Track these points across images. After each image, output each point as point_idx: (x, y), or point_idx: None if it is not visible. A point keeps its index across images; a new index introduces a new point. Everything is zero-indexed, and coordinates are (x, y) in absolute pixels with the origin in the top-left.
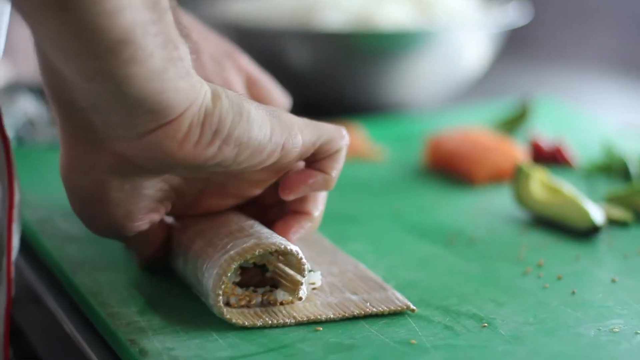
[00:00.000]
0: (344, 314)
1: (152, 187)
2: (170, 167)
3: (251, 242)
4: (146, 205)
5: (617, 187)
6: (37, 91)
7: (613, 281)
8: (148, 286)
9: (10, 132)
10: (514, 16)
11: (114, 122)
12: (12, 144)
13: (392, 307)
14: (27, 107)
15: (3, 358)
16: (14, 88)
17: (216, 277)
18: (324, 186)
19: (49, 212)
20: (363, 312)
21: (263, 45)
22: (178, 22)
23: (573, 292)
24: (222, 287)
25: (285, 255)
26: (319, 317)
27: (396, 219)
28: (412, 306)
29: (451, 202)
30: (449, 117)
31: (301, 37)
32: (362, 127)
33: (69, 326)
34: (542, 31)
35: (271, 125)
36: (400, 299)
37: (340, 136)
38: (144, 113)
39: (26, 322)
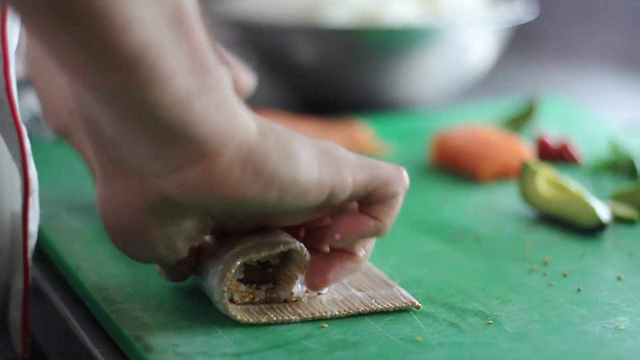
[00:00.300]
0: (349, 310)
1: (194, 221)
2: (209, 205)
3: (255, 240)
4: (188, 237)
5: (623, 185)
6: None
7: (619, 279)
8: (153, 282)
9: None
10: (520, 12)
11: (144, 156)
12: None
13: (397, 304)
14: (33, 103)
15: (21, 347)
16: (21, 85)
17: (220, 273)
18: (375, 233)
19: (54, 207)
20: (368, 309)
21: (270, 42)
22: (215, 46)
23: (579, 290)
24: (227, 283)
25: (289, 252)
26: (324, 314)
27: (402, 216)
28: (417, 303)
29: (457, 199)
30: (455, 114)
31: (308, 34)
32: (368, 123)
33: (73, 322)
34: (548, 28)
35: (319, 166)
36: (405, 296)
37: (399, 180)
38: (174, 146)
39: (30, 317)
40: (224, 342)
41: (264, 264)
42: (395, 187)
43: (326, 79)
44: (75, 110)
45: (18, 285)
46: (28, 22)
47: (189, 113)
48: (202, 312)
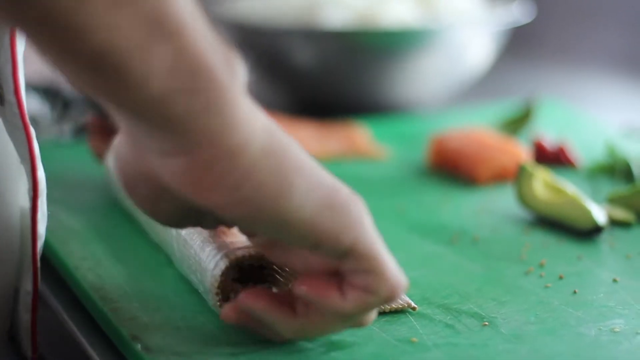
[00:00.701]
0: None
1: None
2: (184, 199)
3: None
4: (182, 216)
5: (620, 188)
6: (41, 91)
7: (615, 281)
8: (150, 282)
9: None
10: (518, 14)
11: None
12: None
13: (394, 305)
14: (31, 106)
15: (31, 349)
16: None
17: (214, 274)
18: (334, 311)
19: (52, 208)
20: None
21: (267, 44)
22: (218, 49)
23: (574, 292)
24: (219, 285)
25: None
26: None
27: (399, 218)
28: (413, 304)
29: (454, 201)
30: (452, 116)
31: (305, 36)
32: (366, 126)
33: (70, 321)
34: (546, 30)
35: (319, 217)
36: (402, 297)
37: (391, 288)
38: (159, 133)
39: None
40: (220, 342)
41: (259, 265)
42: (379, 286)
43: (324, 81)
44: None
45: (27, 287)
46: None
47: (168, 112)
48: (199, 311)
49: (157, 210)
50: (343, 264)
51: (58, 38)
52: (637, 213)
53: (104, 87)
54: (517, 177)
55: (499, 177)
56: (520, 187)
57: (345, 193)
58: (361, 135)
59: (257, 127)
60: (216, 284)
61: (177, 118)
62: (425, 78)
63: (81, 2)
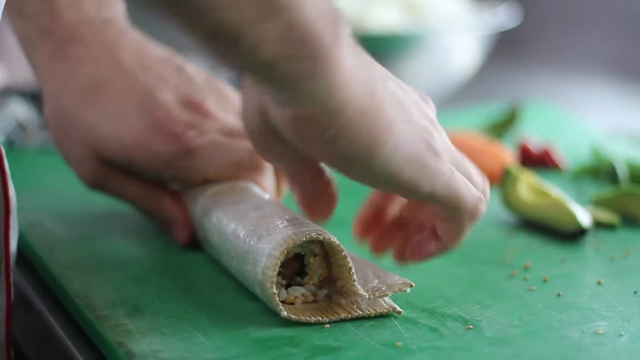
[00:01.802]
0: (331, 317)
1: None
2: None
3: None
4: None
5: (604, 190)
6: (28, 96)
7: (599, 283)
8: (136, 288)
9: (0, 136)
10: (504, 18)
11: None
12: (3, 147)
13: (379, 310)
14: (18, 111)
15: None
16: (5, 92)
17: (266, 268)
18: (442, 253)
19: (39, 215)
20: (350, 316)
21: None
22: (333, 23)
23: (558, 295)
24: (277, 268)
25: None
26: (307, 319)
27: None
28: (398, 308)
29: None
30: (438, 120)
31: None
32: None
33: (57, 328)
34: (533, 33)
35: (406, 163)
36: (386, 302)
37: (471, 213)
38: (272, 87)
39: (15, 324)
40: (205, 347)
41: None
42: (461, 216)
43: None
44: None
45: (1, 302)
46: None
47: (276, 74)
48: (184, 318)
49: (262, 144)
50: (429, 204)
51: (183, 16)
52: (622, 215)
53: (223, 53)
54: (502, 180)
55: None
56: (505, 190)
57: (425, 145)
58: None
59: (358, 86)
60: (273, 267)
61: (285, 80)
62: (411, 82)
63: None
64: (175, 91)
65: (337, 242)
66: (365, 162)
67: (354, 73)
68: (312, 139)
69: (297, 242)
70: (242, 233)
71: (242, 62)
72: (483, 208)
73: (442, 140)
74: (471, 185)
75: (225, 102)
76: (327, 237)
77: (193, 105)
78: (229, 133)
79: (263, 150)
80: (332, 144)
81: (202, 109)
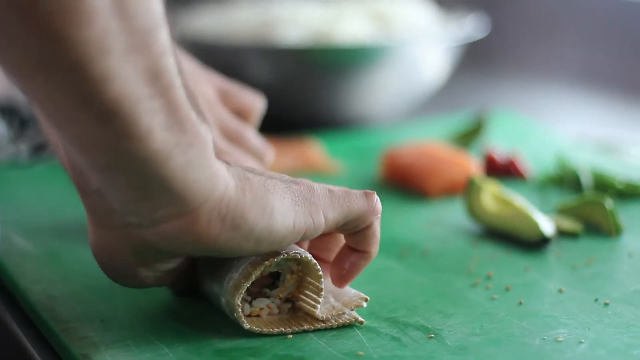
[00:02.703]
0: (295, 328)
1: (178, 259)
2: (189, 252)
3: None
4: (174, 270)
5: (568, 199)
6: None
7: (560, 291)
8: (103, 302)
9: None
10: (472, 29)
11: (127, 208)
12: None
13: (341, 321)
14: None
15: None
16: None
17: (235, 282)
18: (368, 262)
19: (7, 229)
20: (312, 327)
21: (223, 61)
22: (194, 103)
23: (520, 303)
24: (243, 293)
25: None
26: (270, 330)
27: None
28: (360, 318)
29: (406, 215)
30: (406, 131)
31: (260, 53)
32: (320, 141)
33: (24, 341)
34: (501, 43)
35: (295, 215)
36: (348, 312)
37: (370, 211)
38: (153, 199)
39: None
40: (169, 359)
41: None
42: (368, 219)
43: (279, 97)
44: (63, 159)
45: None
46: (14, 72)
47: (166, 169)
48: (148, 330)
49: (136, 275)
50: (327, 231)
51: (77, 87)
52: (586, 223)
53: (111, 142)
54: (467, 190)
55: (450, 190)
56: (469, 200)
57: (293, 183)
58: (315, 150)
59: (227, 172)
60: (238, 294)
61: (172, 173)
62: (380, 93)
63: (103, 52)
64: None
65: (314, 261)
66: (269, 230)
67: (220, 162)
68: (217, 234)
69: (275, 260)
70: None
71: (131, 155)
72: (375, 199)
73: (301, 180)
74: (352, 194)
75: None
76: (305, 256)
77: None
78: None
79: (144, 280)
80: (235, 229)
81: None
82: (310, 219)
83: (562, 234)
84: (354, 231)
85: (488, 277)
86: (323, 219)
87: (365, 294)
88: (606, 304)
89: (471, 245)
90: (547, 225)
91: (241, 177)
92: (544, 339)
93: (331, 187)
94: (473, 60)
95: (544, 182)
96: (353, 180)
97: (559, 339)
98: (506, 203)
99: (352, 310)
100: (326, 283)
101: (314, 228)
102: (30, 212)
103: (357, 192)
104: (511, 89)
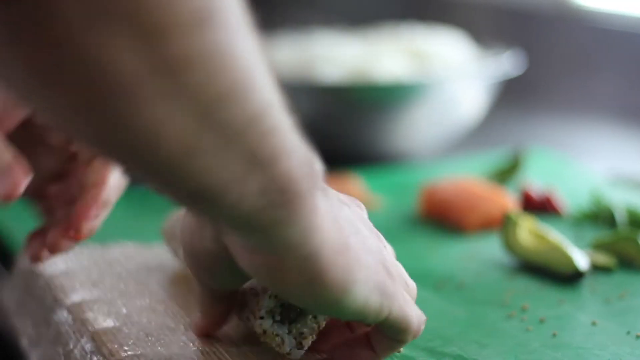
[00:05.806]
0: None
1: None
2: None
3: None
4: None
5: (603, 235)
6: None
7: (593, 324)
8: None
9: None
10: (509, 66)
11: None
12: None
13: None
14: None
15: None
16: None
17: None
18: None
19: None
20: None
21: None
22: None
23: (554, 335)
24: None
25: None
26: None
27: None
28: None
29: (443, 249)
30: (444, 166)
31: (300, 91)
32: (360, 177)
33: None
34: (538, 80)
35: (371, 296)
36: None
37: (414, 331)
38: (244, 233)
39: None
40: None
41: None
42: (407, 336)
43: (320, 134)
44: None
45: None
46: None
47: (255, 224)
48: None
49: (213, 278)
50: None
51: (165, 181)
52: (619, 258)
53: (201, 211)
54: (503, 225)
55: (487, 225)
56: (505, 234)
57: (384, 271)
58: (356, 186)
59: (329, 227)
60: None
61: (261, 228)
62: (418, 130)
63: (194, 149)
64: None
65: None
66: (337, 300)
67: (325, 215)
68: (283, 284)
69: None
70: None
71: (220, 217)
72: (423, 328)
73: (390, 256)
74: (414, 304)
75: None
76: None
77: None
78: None
79: (207, 277)
80: (306, 288)
81: None
82: (380, 308)
83: (596, 268)
84: (385, 334)
85: (523, 309)
86: (386, 313)
87: None
88: (638, 337)
89: (507, 279)
90: (581, 260)
91: (342, 240)
92: None
93: (407, 279)
94: (510, 97)
95: (579, 218)
96: (392, 215)
97: None
98: (542, 238)
99: None
100: None
101: (375, 316)
102: None
103: (415, 307)
104: (547, 125)
